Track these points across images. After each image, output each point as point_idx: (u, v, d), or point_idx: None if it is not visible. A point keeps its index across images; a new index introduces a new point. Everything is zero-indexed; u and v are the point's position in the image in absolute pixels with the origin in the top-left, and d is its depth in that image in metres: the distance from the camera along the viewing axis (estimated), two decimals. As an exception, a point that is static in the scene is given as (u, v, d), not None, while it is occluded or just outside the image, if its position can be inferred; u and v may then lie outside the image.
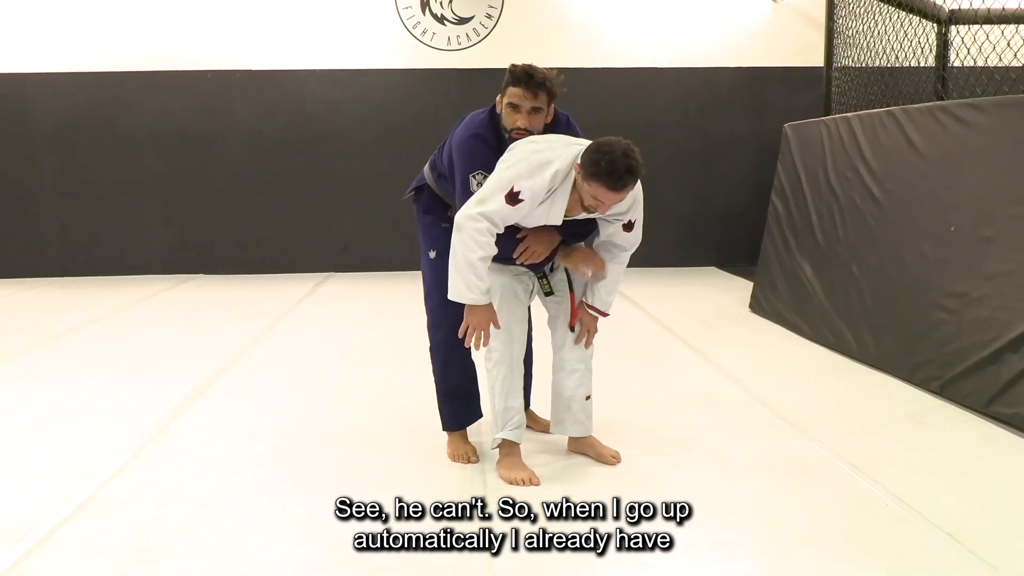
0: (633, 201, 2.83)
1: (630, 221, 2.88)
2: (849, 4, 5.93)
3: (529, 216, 2.76)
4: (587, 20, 8.22)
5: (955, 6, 6.06)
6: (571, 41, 8.21)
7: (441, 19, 8.10)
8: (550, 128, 2.99)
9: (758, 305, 5.99)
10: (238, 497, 2.83)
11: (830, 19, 6.01)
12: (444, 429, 3.22)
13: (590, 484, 2.88)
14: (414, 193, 3.29)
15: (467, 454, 3.14)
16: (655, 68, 8.26)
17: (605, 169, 2.55)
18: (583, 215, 2.79)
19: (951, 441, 3.35)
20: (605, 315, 3.06)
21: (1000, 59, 4.67)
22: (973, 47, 4.93)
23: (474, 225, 2.67)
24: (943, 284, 3.98)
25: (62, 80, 8.01)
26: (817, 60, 7.72)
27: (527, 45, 8.18)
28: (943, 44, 6.62)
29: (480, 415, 3.27)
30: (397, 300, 6.66)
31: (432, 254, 3.14)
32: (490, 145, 2.90)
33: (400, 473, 3.02)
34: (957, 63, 5.74)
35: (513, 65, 2.90)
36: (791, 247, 5.63)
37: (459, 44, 8.16)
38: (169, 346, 5.18)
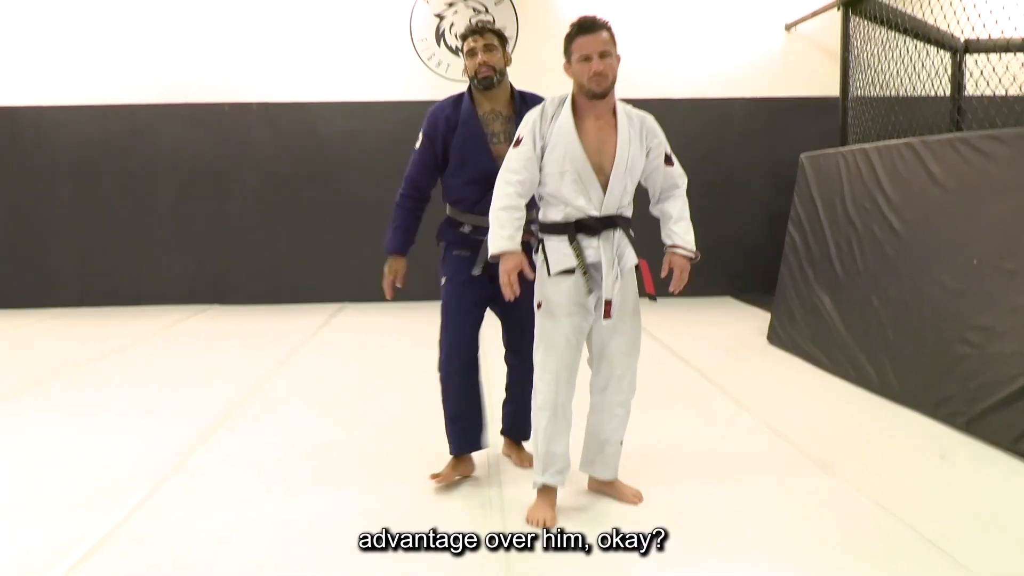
0: (651, 131, 2.95)
1: (665, 154, 2.95)
2: (864, 34, 5.95)
3: (555, 150, 2.79)
4: (601, 51, 8.25)
5: (971, 35, 6.06)
6: (585, 72, 8.23)
7: (456, 51, 8.15)
8: (516, 105, 3.23)
9: (776, 336, 5.95)
10: (258, 533, 2.81)
11: (845, 49, 6.01)
12: (449, 452, 3.26)
13: (608, 520, 2.84)
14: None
15: (449, 476, 3.20)
16: (669, 99, 8.28)
17: (575, 27, 2.79)
18: (618, 148, 2.82)
19: (979, 479, 3.29)
20: (693, 253, 2.97)
21: (1021, 88, 4.66)
22: (992, 76, 4.93)
23: (499, 179, 2.82)
24: (966, 317, 3.94)
25: (81, 112, 8.10)
26: (831, 90, 7.74)
27: (541, 76, 8.21)
28: (958, 73, 6.63)
29: (479, 446, 3.27)
30: (413, 330, 6.64)
31: (443, 280, 3.27)
32: (447, 112, 3.23)
33: (421, 507, 2.99)
34: (975, 92, 5.76)
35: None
36: (809, 278, 5.60)
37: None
38: (187, 378, 5.18)
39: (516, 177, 2.78)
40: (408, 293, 8.76)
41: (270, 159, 8.24)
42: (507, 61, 3.23)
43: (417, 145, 3.30)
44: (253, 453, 3.67)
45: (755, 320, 6.93)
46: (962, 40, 6.18)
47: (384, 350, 6.03)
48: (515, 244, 2.77)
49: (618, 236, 2.86)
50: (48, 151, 8.13)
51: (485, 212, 2.87)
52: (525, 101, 3.21)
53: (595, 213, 2.81)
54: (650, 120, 2.96)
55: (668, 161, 2.97)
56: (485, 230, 2.85)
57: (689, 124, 8.35)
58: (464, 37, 3.21)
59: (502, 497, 3.10)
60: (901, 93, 5.57)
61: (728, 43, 8.32)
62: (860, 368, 4.75)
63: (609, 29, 2.81)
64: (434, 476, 3.21)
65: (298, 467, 3.46)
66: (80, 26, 8.03)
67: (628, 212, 2.91)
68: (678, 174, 3.01)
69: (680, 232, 2.97)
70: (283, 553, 2.66)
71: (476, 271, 3.13)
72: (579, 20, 2.81)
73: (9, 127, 8.08)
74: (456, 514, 2.95)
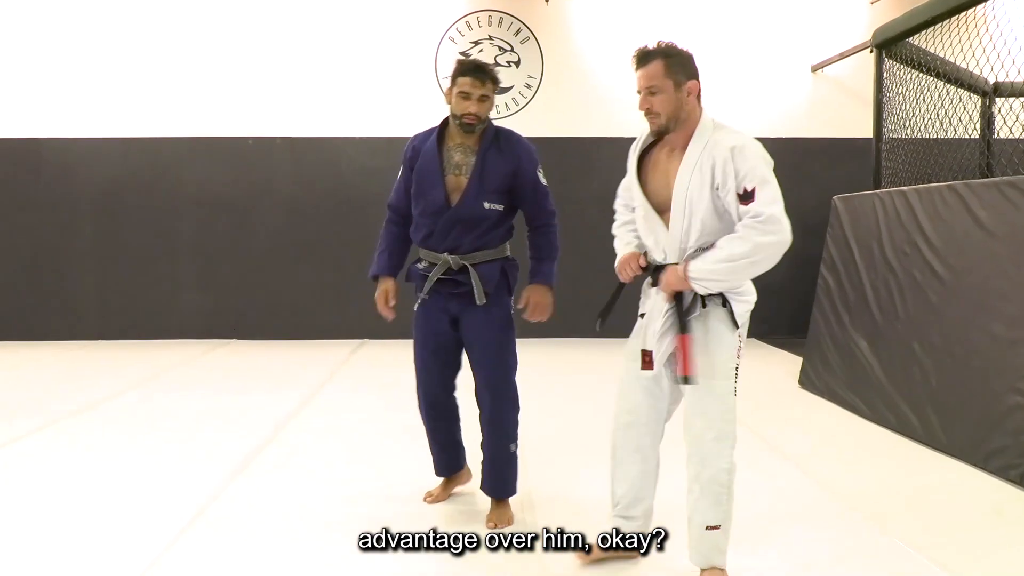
0: (725, 161, 2.47)
1: (743, 191, 2.43)
2: (896, 77, 5.89)
3: (650, 177, 2.72)
4: (626, 91, 8.22)
5: (1002, 78, 5.99)
6: (610, 111, 8.22)
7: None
8: (486, 139, 3.15)
9: (808, 381, 5.81)
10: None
11: (879, 91, 5.95)
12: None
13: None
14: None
15: (440, 496, 3.50)
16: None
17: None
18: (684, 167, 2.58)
19: (1041, 537, 3.15)
20: (683, 273, 2.53)
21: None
22: (1023, 118, 4.86)
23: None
24: (1018, 367, 3.81)
25: (105, 145, 8.10)
26: (858, 131, 7.71)
27: (565, 114, 8.21)
28: (988, 116, 6.56)
29: (460, 467, 3.54)
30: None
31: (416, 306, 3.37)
32: (419, 142, 3.23)
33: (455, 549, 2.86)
34: (1006, 135, 5.68)
35: (462, 58, 3.12)
36: (844, 322, 5.48)
37: (498, 113, 8.18)
38: (208, 416, 5.07)
39: (625, 200, 2.90)
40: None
41: (292, 194, 8.21)
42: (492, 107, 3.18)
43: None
44: (280, 500, 3.55)
45: (784, 364, 6.80)
46: (990, 83, 6.12)
47: (408, 388, 5.90)
48: (629, 250, 2.79)
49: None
50: (72, 183, 8.12)
51: (435, 247, 3.11)
52: (498, 138, 3.16)
53: (659, 258, 2.65)
54: (735, 148, 2.47)
55: (746, 198, 2.44)
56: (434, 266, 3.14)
57: (714, 164, 8.29)
58: (463, 74, 3.05)
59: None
60: (932, 135, 5.50)
61: (753, 84, 8.29)
62: (902, 416, 4.61)
63: (666, 56, 2.54)
64: (428, 495, 3.50)
65: (326, 518, 3.33)
66: (105, 59, 8.06)
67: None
68: (753, 214, 2.43)
69: (698, 262, 2.54)
70: None
71: (422, 296, 3.26)
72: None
73: (34, 159, 8.09)
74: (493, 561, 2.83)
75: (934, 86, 5.54)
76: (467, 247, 3.12)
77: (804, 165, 8.29)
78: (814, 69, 8.23)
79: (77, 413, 5.11)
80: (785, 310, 8.26)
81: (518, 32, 8.19)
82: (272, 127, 8.16)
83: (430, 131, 3.24)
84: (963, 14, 5.10)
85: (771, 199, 2.42)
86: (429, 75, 8.15)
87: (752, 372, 6.54)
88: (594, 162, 8.13)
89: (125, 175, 8.13)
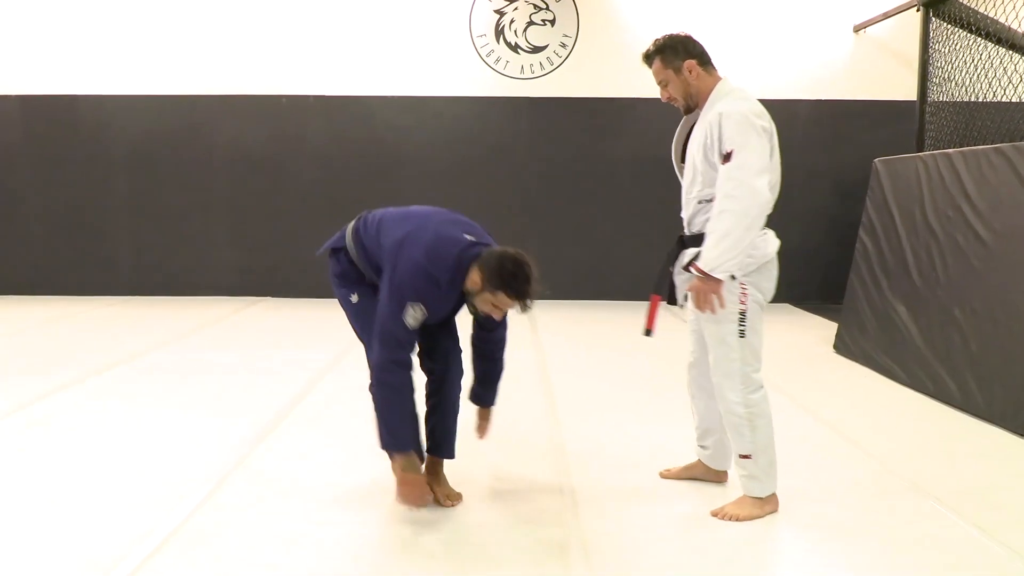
0: (712, 125, 2.77)
1: (726, 152, 2.70)
2: (943, 36, 5.72)
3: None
4: (662, 50, 8.09)
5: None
6: (644, 71, 8.06)
7: (515, 47, 8.05)
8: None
9: (844, 346, 5.75)
10: (323, 536, 2.72)
11: (924, 51, 5.79)
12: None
13: (700, 535, 2.71)
14: (330, 251, 3.12)
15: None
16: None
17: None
18: None
19: (1083, 504, 3.10)
20: (704, 274, 2.69)
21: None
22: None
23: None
24: (1064, 333, 3.73)
25: (140, 102, 8.13)
26: (901, 94, 7.53)
27: (599, 75, 8.09)
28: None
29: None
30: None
31: (354, 298, 3.02)
32: (440, 289, 2.74)
33: (489, 506, 2.88)
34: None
35: (511, 265, 2.63)
36: (882, 286, 5.39)
37: (532, 73, 8.10)
38: (244, 371, 5.13)
39: None
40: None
41: (325, 153, 8.21)
42: None
43: (408, 316, 2.73)
44: (316, 452, 3.59)
45: (818, 329, 6.73)
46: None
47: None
48: None
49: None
50: (107, 140, 8.18)
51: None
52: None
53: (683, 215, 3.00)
54: (724, 114, 2.73)
55: (725, 159, 2.69)
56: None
57: (751, 126, 8.15)
58: (507, 291, 2.63)
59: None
60: (979, 98, 5.35)
61: (793, 44, 8.11)
62: (940, 382, 4.55)
63: (660, 52, 2.93)
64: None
65: (362, 468, 3.36)
66: (141, 17, 8.06)
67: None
68: (724, 178, 2.68)
69: (704, 246, 2.73)
70: (347, 557, 2.56)
71: None
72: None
73: (70, 116, 8.14)
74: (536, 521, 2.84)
75: (983, 47, 5.38)
76: None
77: (843, 128, 8.13)
78: (856, 29, 8.03)
79: (113, 366, 5.18)
80: (819, 276, 8.17)
81: (553, -10, 8.07)
82: (305, 85, 8.14)
83: (451, 274, 2.73)
84: (1016, -29, 4.92)
85: (741, 164, 2.66)
86: (463, 34, 8.07)
87: (784, 337, 6.50)
88: (627, 123, 8.03)
89: (159, 132, 8.16)
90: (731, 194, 2.65)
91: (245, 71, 8.12)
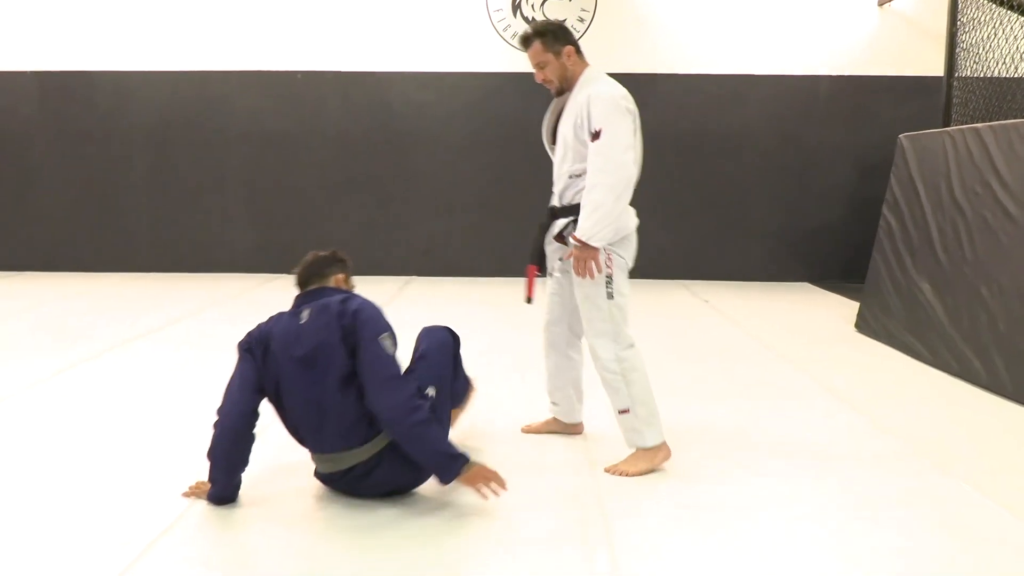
0: (581, 106, 2.98)
1: (594, 131, 2.93)
2: (971, 11, 5.60)
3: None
4: (679, 24, 7.98)
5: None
6: (662, 46, 7.99)
7: (532, 22, 7.94)
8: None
9: (866, 325, 5.68)
10: (340, 507, 2.70)
11: (952, 25, 5.66)
12: None
13: (721, 513, 2.67)
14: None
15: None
16: (750, 75, 7.98)
17: None
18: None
19: (1114, 485, 3.04)
20: (580, 242, 2.95)
21: None
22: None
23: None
24: (1095, 311, 3.65)
25: (156, 79, 8.10)
26: (926, 69, 7.40)
27: (618, 49, 7.99)
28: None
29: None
30: (484, 303, 6.54)
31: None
32: None
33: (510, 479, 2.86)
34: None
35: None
36: (906, 264, 5.31)
37: (550, 48, 7.98)
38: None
39: None
40: (472, 269, 8.68)
41: (342, 129, 8.16)
42: None
43: (388, 346, 2.74)
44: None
45: (839, 308, 6.65)
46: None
47: (460, 326, 5.89)
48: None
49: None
50: (124, 116, 8.16)
51: None
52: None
53: (554, 189, 3.20)
54: (592, 96, 2.98)
55: (594, 137, 2.95)
56: None
57: (770, 102, 8.05)
58: None
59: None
60: (1008, 73, 5.23)
61: (816, 18, 7.97)
62: (965, 361, 4.47)
63: (541, 36, 3.06)
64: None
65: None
66: (157, -9, 8.02)
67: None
68: (594, 154, 2.93)
69: (580, 217, 2.96)
70: (365, 530, 2.54)
71: None
72: (519, 38, 3.16)
73: (87, 92, 8.13)
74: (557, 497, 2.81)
75: (1014, 19, 5.26)
76: None
77: (866, 104, 8.00)
78: (880, 3, 7.88)
79: (130, 342, 5.19)
80: (839, 254, 8.07)
81: (572, -37, 7.95)
82: (321, 61, 8.08)
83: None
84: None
85: (609, 141, 2.92)
86: (480, 8, 7.98)
87: (805, 316, 6.44)
88: (647, 99, 7.85)
89: (176, 108, 8.14)
90: (602, 168, 2.91)
91: (261, 47, 8.07)
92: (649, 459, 3.03)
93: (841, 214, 8.07)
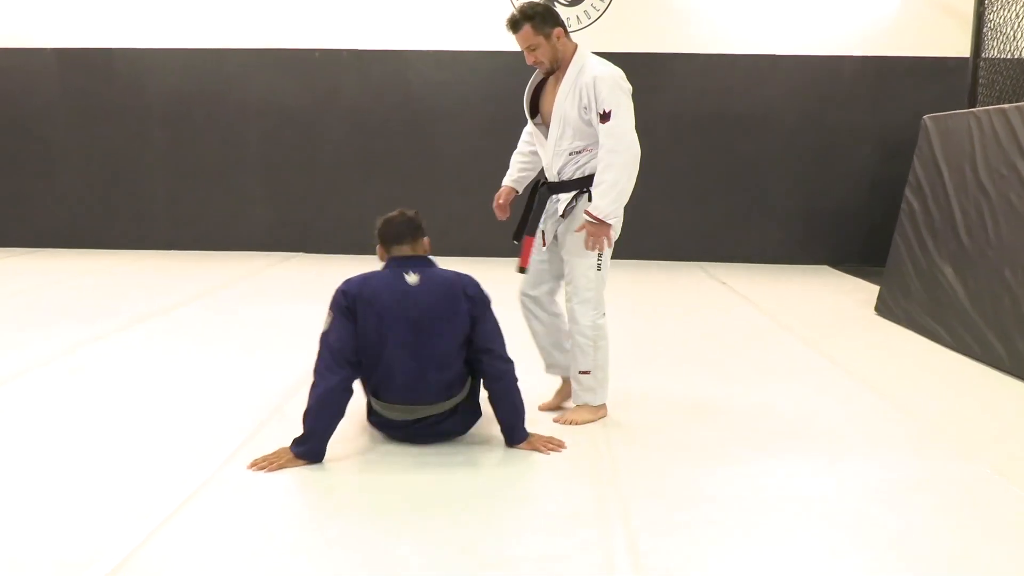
0: (587, 87, 3.11)
1: (604, 111, 3.09)
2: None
3: (544, 101, 3.35)
4: (700, 4, 7.88)
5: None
6: (683, 26, 7.90)
7: (552, 1, 7.87)
8: None
9: (886, 308, 5.62)
10: (354, 482, 2.70)
11: (980, 5, 5.56)
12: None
13: (745, 498, 2.66)
14: None
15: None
16: (771, 55, 7.88)
17: None
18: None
19: None
20: (595, 219, 3.11)
21: None
22: None
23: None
24: (1123, 295, 3.59)
25: (174, 56, 8.10)
26: (951, 50, 7.28)
27: (638, 28, 7.91)
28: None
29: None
30: (504, 282, 6.51)
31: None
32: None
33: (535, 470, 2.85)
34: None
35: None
36: (928, 247, 5.25)
37: (569, 26, 7.86)
38: (275, 326, 5.13)
39: (524, 134, 3.56)
40: (490, 249, 8.71)
41: (359, 108, 8.14)
42: None
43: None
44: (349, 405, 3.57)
45: (859, 291, 6.59)
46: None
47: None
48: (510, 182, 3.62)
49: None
50: (142, 94, 8.18)
51: None
52: None
53: (544, 163, 3.36)
54: (598, 77, 3.11)
55: (604, 118, 3.10)
56: None
57: (792, 82, 7.95)
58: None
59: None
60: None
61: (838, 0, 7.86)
62: (987, 345, 4.42)
63: (530, 19, 3.13)
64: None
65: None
66: (175, -32, 8.00)
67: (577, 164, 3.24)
68: (605, 135, 3.10)
69: (595, 195, 3.13)
70: (380, 508, 2.55)
71: None
72: (506, 21, 3.22)
73: (106, 69, 8.14)
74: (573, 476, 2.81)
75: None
76: None
77: (888, 85, 7.89)
78: (906, -18, 7.76)
79: (147, 318, 5.21)
80: (859, 237, 8.01)
81: (592, -60, 7.86)
82: (339, 39, 8.05)
83: None
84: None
85: (619, 122, 3.10)
86: (499, -14, 7.92)
87: (824, 298, 6.39)
88: (666, 79, 7.85)
89: (194, 86, 8.14)
90: (614, 148, 3.09)
91: (278, 25, 8.05)
92: (593, 412, 3.36)
93: (862, 196, 7.99)
